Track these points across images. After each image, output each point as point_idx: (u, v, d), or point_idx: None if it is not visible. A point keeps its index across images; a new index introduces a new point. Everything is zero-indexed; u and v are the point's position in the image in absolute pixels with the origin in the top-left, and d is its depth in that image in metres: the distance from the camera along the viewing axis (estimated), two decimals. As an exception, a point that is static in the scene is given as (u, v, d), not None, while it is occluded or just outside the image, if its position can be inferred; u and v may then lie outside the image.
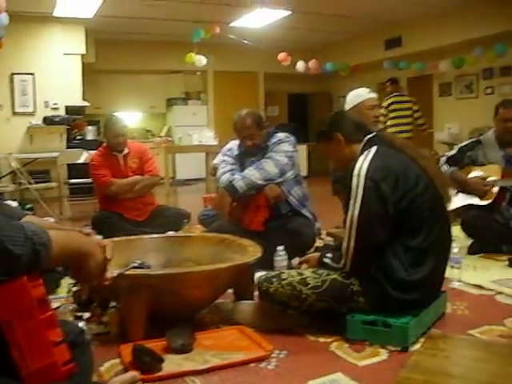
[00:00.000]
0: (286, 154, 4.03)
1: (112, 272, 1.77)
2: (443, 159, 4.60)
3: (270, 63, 12.04)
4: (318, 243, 4.18)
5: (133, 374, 2.07)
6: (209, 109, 13.40)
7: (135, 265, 2.68)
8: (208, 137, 10.19)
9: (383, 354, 2.43)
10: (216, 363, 2.35)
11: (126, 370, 2.26)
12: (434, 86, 12.03)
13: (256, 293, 2.87)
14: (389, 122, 8.79)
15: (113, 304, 2.88)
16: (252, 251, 2.97)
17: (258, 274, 2.91)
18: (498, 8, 9.15)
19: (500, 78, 10.51)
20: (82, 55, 10.36)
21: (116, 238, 3.37)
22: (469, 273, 3.74)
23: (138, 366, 2.24)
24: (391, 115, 8.78)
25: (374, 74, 12.08)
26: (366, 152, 2.68)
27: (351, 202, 2.56)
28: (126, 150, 5.14)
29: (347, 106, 4.38)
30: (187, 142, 10.40)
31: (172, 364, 2.33)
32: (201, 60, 10.58)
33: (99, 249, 1.67)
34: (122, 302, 2.69)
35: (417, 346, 2.45)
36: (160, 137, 11.22)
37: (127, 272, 2.48)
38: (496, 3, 9.16)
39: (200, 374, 2.27)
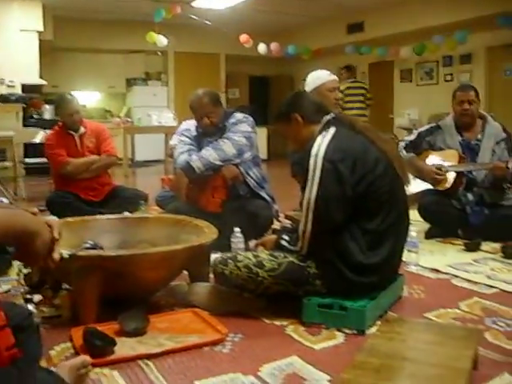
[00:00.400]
0: (244, 134, 3.99)
1: (62, 253, 1.70)
2: (402, 145, 4.62)
3: (231, 45, 11.96)
4: (276, 225, 4.16)
5: (83, 357, 2.02)
6: (169, 90, 13.29)
7: (88, 245, 2.61)
8: (168, 118, 10.10)
9: (339, 338, 2.42)
10: (170, 346, 2.31)
11: (77, 354, 2.21)
12: (394, 72, 12.12)
13: (212, 275, 2.83)
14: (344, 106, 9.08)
15: (65, 286, 2.81)
16: (208, 232, 2.93)
17: (214, 256, 2.87)
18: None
19: (459, 66, 10.66)
20: (40, 32, 10.09)
21: (70, 219, 3.31)
22: (426, 257, 3.77)
23: (90, 349, 2.19)
24: (346, 99, 9.03)
25: (335, 58, 12.08)
26: (324, 133, 2.64)
27: (308, 183, 2.53)
28: (82, 129, 5.04)
29: (308, 88, 4.36)
30: (147, 123, 10.29)
31: (125, 347, 2.28)
32: (162, 40, 10.44)
33: (46, 228, 1.61)
34: (74, 284, 2.61)
35: (373, 330, 2.44)
36: (119, 117, 11.05)
37: (79, 253, 2.42)
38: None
39: (153, 358, 2.22)
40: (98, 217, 3.55)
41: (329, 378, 2.04)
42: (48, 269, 1.69)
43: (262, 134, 11.72)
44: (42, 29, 10.03)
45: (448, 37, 9.60)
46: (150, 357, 2.23)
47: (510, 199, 4.34)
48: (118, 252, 2.79)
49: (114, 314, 2.48)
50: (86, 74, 12.46)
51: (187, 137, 4.18)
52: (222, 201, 3.93)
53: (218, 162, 3.88)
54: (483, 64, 10.21)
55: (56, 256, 1.63)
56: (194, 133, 4.19)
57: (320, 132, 2.67)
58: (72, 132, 5.01)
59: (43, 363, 2.14)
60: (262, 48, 11.41)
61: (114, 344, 2.25)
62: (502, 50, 9.96)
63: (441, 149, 4.46)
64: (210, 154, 3.88)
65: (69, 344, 2.36)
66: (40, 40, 10.13)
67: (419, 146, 4.55)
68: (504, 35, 9.40)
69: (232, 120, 4.08)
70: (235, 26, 11.44)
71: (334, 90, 4.38)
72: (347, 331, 2.46)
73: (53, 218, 1.85)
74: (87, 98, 12.73)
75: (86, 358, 2.02)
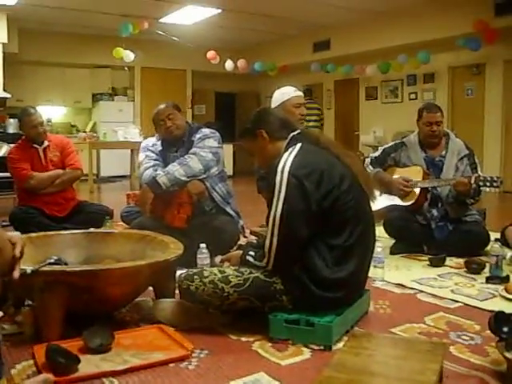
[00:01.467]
0: (210, 149, 3.98)
1: (25, 268, 1.67)
2: (367, 161, 4.66)
3: (198, 61, 12.01)
4: (242, 241, 4.15)
5: (45, 376, 1.97)
6: (135, 105, 13.25)
7: (51, 261, 2.57)
8: (134, 133, 10.07)
9: (306, 353, 2.41)
10: (135, 363, 2.27)
11: (39, 372, 2.16)
12: (360, 90, 12.25)
13: (177, 291, 2.80)
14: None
15: (28, 302, 2.75)
16: (173, 248, 2.90)
17: (180, 272, 2.84)
18: (423, 17, 9.46)
19: (423, 85, 10.83)
20: (4, 44, 9.95)
21: (33, 234, 3.26)
22: (391, 272, 3.79)
23: (52, 367, 2.14)
24: None
25: (301, 75, 12.20)
26: (290, 149, 2.65)
27: (274, 199, 2.52)
28: (46, 143, 4.99)
29: (273, 104, 4.37)
30: (112, 138, 10.24)
31: (89, 365, 2.24)
32: (129, 55, 10.43)
33: (9, 245, 1.58)
34: (37, 300, 2.55)
35: (340, 345, 2.44)
36: (85, 132, 10.97)
37: (42, 268, 2.38)
38: (421, 13, 9.46)
39: (118, 375, 2.19)
40: (63, 232, 3.50)
41: (296, 393, 2.03)
42: (9, 285, 1.66)
43: (228, 150, 11.73)
44: (6, 41, 9.90)
45: (412, 56, 9.78)
46: (114, 374, 2.19)
47: (473, 215, 4.41)
48: (81, 267, 2.74)
49: (78, 331, 2.44)
50: (52, 88, 12.34)
51: (153, 152, 4.15)
52: (187, 216, 3.90)
53: (184, 178, 3.86)
54: (446, 83, 10.40)
55: (16, 275, 1.60)
56: (160, 147, 4.16)
57: (286, 148, 2.68)
58: (36, 145, 4.95)
59: (4, 382, 2.09)
60: (228, 65, 11.47)
61: (78, 361, 2.20)
62: (463, 70, 10.18)
63: (405, 165, 4.51)
64: (176, 169, 3.86)
65: (31, 362, 2.31)
66: (4, 52, 9.99)
67: (384, 163, 4.60)
68: (465, 56, 9.61)
69: (199, 135, 4.07)
70: (202, 42, 11.49)
71: (299, 106, 4.39)
72: (314, 347, 2.45)
73: (16, 234, 1.81)
74: (53, 112, 12.60)
75: (49, 376, 1.98)
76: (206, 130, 4.12)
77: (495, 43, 8.67)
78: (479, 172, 4.33)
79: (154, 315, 2.76)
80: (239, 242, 4.04)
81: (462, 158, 4.40)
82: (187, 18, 10.49)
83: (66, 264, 2.75)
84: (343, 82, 12.44)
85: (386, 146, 4.76)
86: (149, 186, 3.89)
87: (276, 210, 2.50)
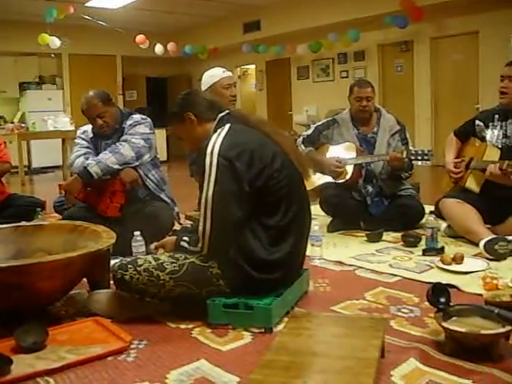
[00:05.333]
0: (142, 136, 3.89)
1: None
2: (300, 140, 4.65)
3: (128, 46, 11.81)
4: (177, 227, 4.08)
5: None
6: (65, 93, 12.94)
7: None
8: (64, 122, 9.85)
9: (247, 337, 2.38)
10: (71, 360, 2.19)
11: (-31, 378, 2.06)
12: (292, 69, 12.29)
13: (112, 281, 2.72)
14: None
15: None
16: (106, 237, 2.81)
17: (114, 262, 2.77)
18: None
19: (354, 63, 10.95)
20: None
21: (-42, 232, 3.11)
22: (329, 250, 3.81)
23: (-17, 371, 2.05)
24: None
25: (233, 56, 12.15)
26: (219, 130, 2.60)
27: (205, 181, 2.47)
28: (-28, 136, 4.78)
29: (203, 87, 4.31)
30: (42, 128, 9.99)
31: (23, 365, 2.15)
32: (55, 42, 10.14)
33: None
34: (-37, 302, 2.44)
35: (281, 327, 2.42)
36: (12, 123, 10.62)
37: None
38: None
39: (54, 373, 2.11)
40: (-12, 228, 3.35)
41: (238, 379, 2.00)
42: None
43: (161, 135, 11.60)
44: None
45: (342, 35, 9.86)
46: (49, 373, 2.11)
47: (408, 189, 4.47)
48: (8, 263, 2.62)
49: (10, 330, 2.34)
50: (-26, 78, 11.89)
51: (84, 139, 4.04)
52: (120, 205, 3.81)
53: (116, 166, 3.76)
54: (376, 61, 10.54)
55: None
56: (91, 135, 4.05)
57: (215, 130, 2.63)
58: (-38, 139, 4.74)
59: None
60: (158, 48, 11.32)
61: (10, 362, 2.11)
62: (392, 47, 10.34)
63: (338, 143, 4.52)
64: (108, 157, 3.76)
65: (-41, 369, 2.20)
66: None
67: (316, 141, 4.60)
68: (393, 34, 9.75)
69: (130, 122, 3.98)
70: (131, 26, 11.29)
71: (229, 87, 4.32)
72: (255, 330, 2.43)
73: None
74: (-23, 104, 12.17)
75: (-22, 380, 1.89)
76: (137, 117, 4.03)
77: (421, 21, 8.83)
78: (410, 147, 4.39)
79: (89, 308, 2.68)
80: (174, 228, 3.98)
81: (393, 134, 4.44)
82: (114, 2, 10.25)
83: (-8, 261, 2.63)
84: (274, 63, 12.45)
85: (319, 123, 4.75)
86: (80, 175, 3.77)
87: (207, 193, 2.46)
